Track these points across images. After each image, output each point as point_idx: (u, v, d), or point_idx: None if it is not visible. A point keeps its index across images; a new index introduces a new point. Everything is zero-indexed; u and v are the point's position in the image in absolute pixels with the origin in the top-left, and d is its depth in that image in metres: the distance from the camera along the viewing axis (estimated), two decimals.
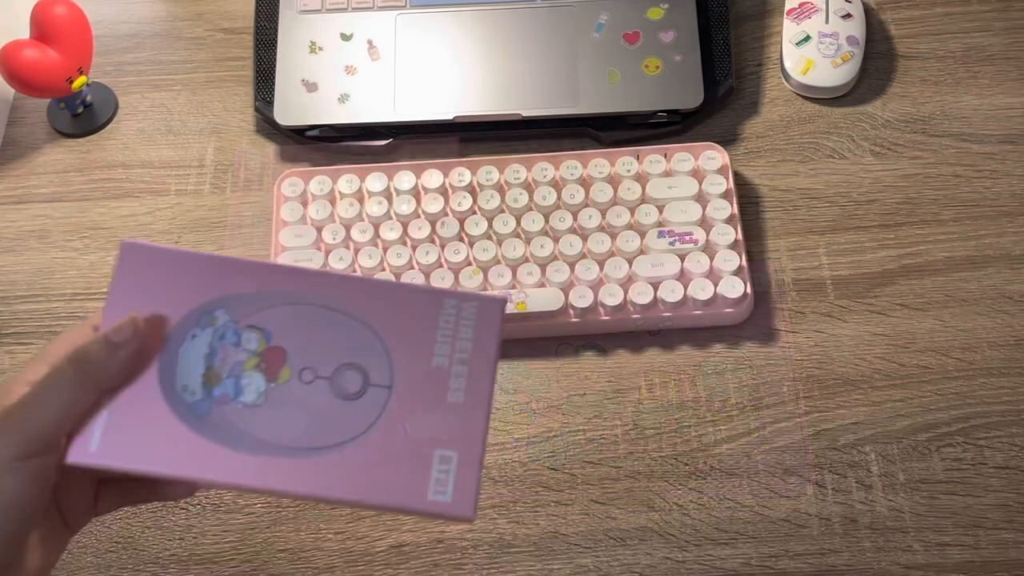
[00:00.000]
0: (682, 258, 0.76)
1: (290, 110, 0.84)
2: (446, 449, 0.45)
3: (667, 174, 0.80)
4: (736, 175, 0.81)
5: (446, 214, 0.79)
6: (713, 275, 0.76)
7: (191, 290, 0.46)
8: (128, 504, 0.50)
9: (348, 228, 0.79)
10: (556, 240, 0.78)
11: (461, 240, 0.78)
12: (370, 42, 0.86)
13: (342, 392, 0.46)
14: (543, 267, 0.77)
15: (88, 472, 0.47)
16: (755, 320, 0.76)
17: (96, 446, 0.44)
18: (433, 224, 0.79)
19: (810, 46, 0.85)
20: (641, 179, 0.80)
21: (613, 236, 0.78)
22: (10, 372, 0.77)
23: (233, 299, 0.46)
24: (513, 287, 0.76)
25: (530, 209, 0.79)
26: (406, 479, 0.45)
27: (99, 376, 0.44)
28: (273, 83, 0.85)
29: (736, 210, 0.78)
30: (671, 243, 0.77)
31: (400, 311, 0.47)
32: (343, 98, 0.84)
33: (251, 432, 0.45)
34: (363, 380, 0.46)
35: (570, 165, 0.80)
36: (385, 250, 0.78)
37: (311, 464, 0.45)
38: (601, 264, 0.77)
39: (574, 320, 0.75)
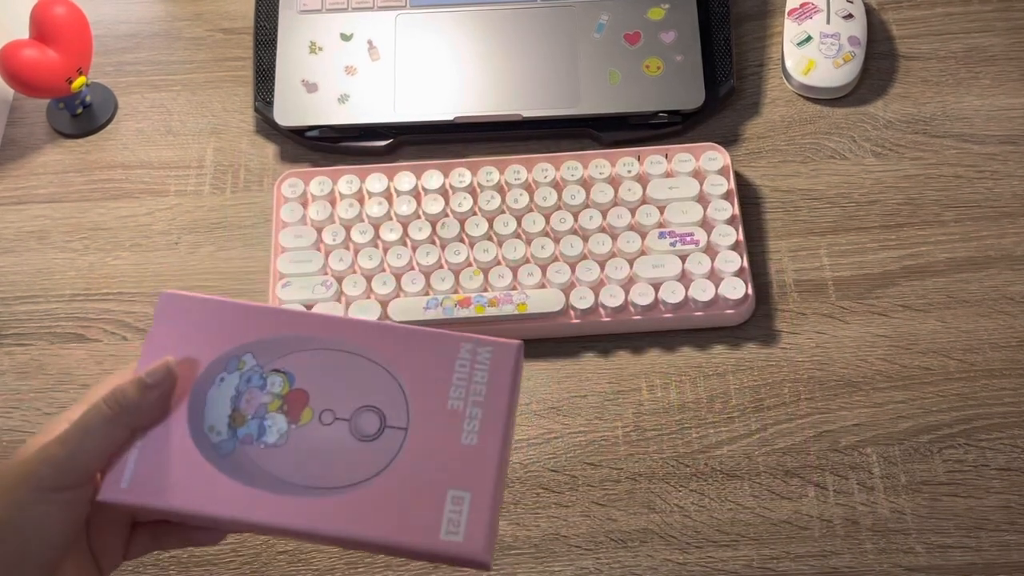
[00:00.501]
0: (683, 259, 0.76)
1: (290, 110, 0.84)
2: (459, 490, 0.46)
3: (668, 175, 0.80)
4: (737, 176, 0.81)
5: (446, 215, 0.79)
6: (714, 276, 0.76)
7: (222, 336, 0.49)
8: (158, 548, 0.52)
9: (348, 229, 0.79)
10: (557, 241, 0.77)
11: (461, 241, 0.78)
12: (370, 42, 0.86)
13: (360, 433, 0.47)
14: (544, 268, 0.77)
15: (121, 514, 0.49)
16: (756, 321, 0.76)
17: (126, 484, 0.46)
18: (433, 225, 0.79)
19: (811, 46, 0.85)
20: (642, 180, 0.80)
21: (614, 237, 0.77)
22: (9, 372, 0.77)
23: (260, 344, 0.49)
24: (514, 288, 0.76)
25: (531, 210, 0.79)
26: (419, 518, 0.45)
27: (132, 414, 0.46)
28: (273, 83, 0.85)
29: (737, 211, 0.78)
30: (672, 244, 0.76)
31: (418, 355, 0.48)
32: (343, 98, 0.84)
33: (272, 472, 0.47)
34: (380, 421, 0.47)
35: (571, 166, 0.80)
36: (385, 251, 0.78)
37: (327, 503, 0.46)
38: (602, 265, 0.76)
39: (575, 321, 0.75)
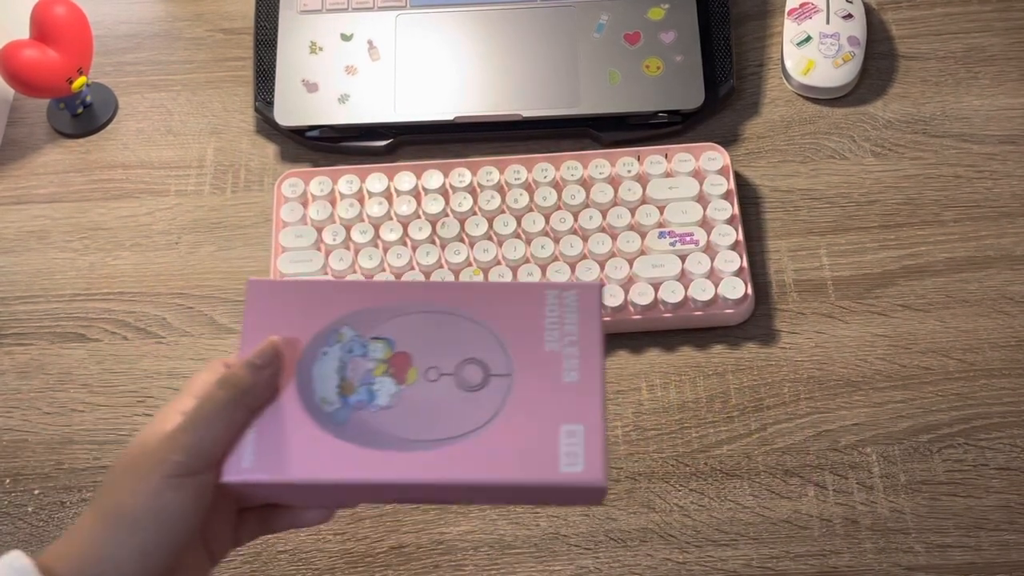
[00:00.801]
0: (683, 259, 0.76)
1: (290, 110, 0.84)
2: (571, 424, 0.48)
3: (668, 175, 0.80)
4: (737, 176, 0.81)
5: (446, 215, 0.79)
6: (714, 276, 0.76)
7: (315, 314, 0.50)
8: (266, 532, 0.53)
9: (348, 229, 0.79)
10: (557, 241, 0.78)
11: (462, 241, 0.78)
12: (370, 42, 0.86)
13: (466, 385, 0.49)
14: (544, 268, 0.77)
15: (229, 500, 0.50)
16: (756, 321, 0.76)
17: (248, 463, 0.48)
18: (433, 225, 0.79)
19: (811, 46, 0.85)
20: (642, 180, 0.80)
21: (614, 237, 0.77)
22: (9, 372, 0.77)
23: (354, 316, 0.50)
24: None
25: (530, 210, 0.79)
26: (537, 455, 0.47)
27: (247, 396, 0.48)
28: (273, 83, 0.85)
29: (737, 211, 0.78)
30: (672, 244, 0.76)
31: (507, 307, 0.51)
32: (343, 98, 0.84)
33: (389, 431, 0.48)
34: (484, 372, 0.49)
35: (570, 166, 0.80)
36: (385, 251, 0.78)
37: (447, 453, 0.47)
38: (602, 265, 0.76)
39: None
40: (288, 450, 0.48)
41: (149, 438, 0.47)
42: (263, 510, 0.52)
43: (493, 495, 0.49)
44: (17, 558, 0.45)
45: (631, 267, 0.76)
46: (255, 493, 0.50)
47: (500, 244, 0.78)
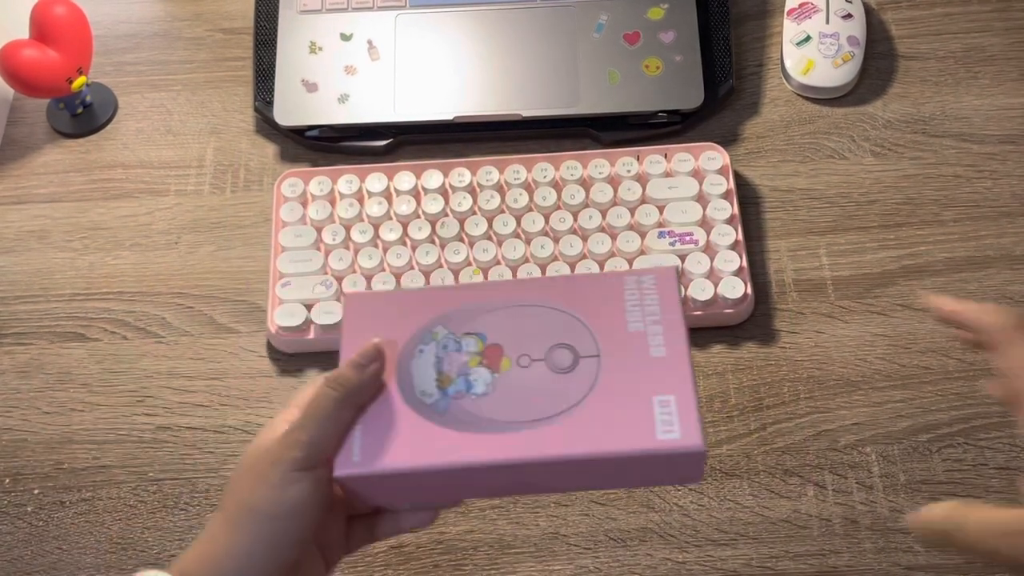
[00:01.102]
0: (682, 259, 0.76)
1: (290, 110, 0.84)
2: (663, 395, 0.49)
3: (667, 174, 0.80)
4: (736, 175, 0.81)
5: (446, 214, 0.79)
6: (713, 276, 0.76)
7: (410, 319, 0.53)
8: (374, 540, 0.55)
9: (348, 228, 0.79)
10: (556, 241, 0.78)
11: (461, 240, 0.78)
12: (370, 42, 0.86)
13: (557, 368, 0.51)
14: (543, 267, 0.77)
15: (341, 507, 0.53)
16: (755, 321, 0.76)
17: (357, 458, 0.49)
18: (433, 224, 0.79)
19: (811, 46, 0.85)
20: (641, 179, 0.80)
21: (613, 237, 0.77)
22: (9, 372, 0.77)
23: (446, 317, 0.53)
24: None
25: (530, 210, 0.79)
26: (633, 426, 0.48)
27: (356, 393, 0.50)
28: (273, 83, 0.85)
29: (736, 210, 0.78)
30: (671, 244, 0.76)
31: (589, 295, 0.53)
32: (343, 98, 0.84)
33: (489, 416, 0.50)
34: (573, 355, 0.51)
35: (570, 165, 0.80)
36: (385, 251, 0.78)
37: (547, 431, 0.49)
38: (601, 265, 0.76)
39: None
40: (393, 441, 0.50)
41: (263, 443, 0.50)
42: (370, 517, 0.54)
43: (593, 476, 0.51)
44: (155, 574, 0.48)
45: (631, 267, 0.76)
46: (364, 491, 0.51)
47: (500, 244, 0.78)
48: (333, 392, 0.50)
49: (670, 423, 0.48)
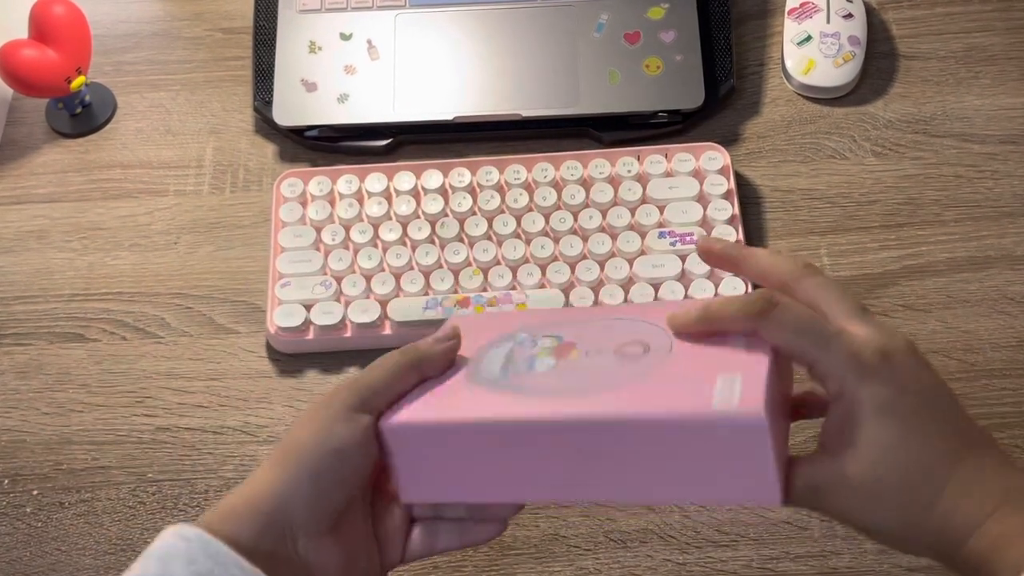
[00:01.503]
0: (683, 259, 0.76)
1: (289, 110, 0.84)
2: (730, 374, 0.46)
3: (668, 174, 0.80)
4: (737, 175, 0.81)
5: (446, 214, 0.79)
6: (714, 276, 0.76)
7: (494, 329, 0.56)
8: (433, 551, 0.54)
9: (347, 229, 0.79)
10: (556, 241, 0.77)
11: (461, 241, 0.78)
12: (370, 42, 0.86)
13: (626, 355, 0.50)
14: (543, 268, 0.77)
15: (401, 505, 0.53)
16: None
17: (408, 413, 0.51)
18: (433, 225, 0.79)
19: (811, 46, 0.85)
20: (642, 179, 0.80)
21: (614, 237, 0.77)
22: (9, 372, 0.77)
23: (531, 325, 0.55)
24: (513, 288, 0.76)
25: (530, 210, 0.79)
26: (689, 395, 0.46)
27: (422, 360, 0.53)
28: (272, 83, 0.85)
29: (737, 211, 0.78)
30: (672, 244, 0.76)
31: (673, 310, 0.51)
32: (342, 98, 0.84)
33: (544, 384, 0.50)
34: (644, 348, 0.50)
35: (570, 165, 0.80)
36: (385, 251, 0.78)
37: (599, 398, 0.48)
38: (602, 265, 0.76)
39: None
40: (443, 402, 0.51)
41: (323, 395, 0.52)
42: (432, 523, 0.54)
43: (651, 468, 0.47)
44: (184, 527, 0.47)
45: (631, 267, 0.76)
46: (409, 458, 0.51)
47: (500, 244, 0.77)
48: (400, 354, 0.52)
49: (728, 398, 0.44)
